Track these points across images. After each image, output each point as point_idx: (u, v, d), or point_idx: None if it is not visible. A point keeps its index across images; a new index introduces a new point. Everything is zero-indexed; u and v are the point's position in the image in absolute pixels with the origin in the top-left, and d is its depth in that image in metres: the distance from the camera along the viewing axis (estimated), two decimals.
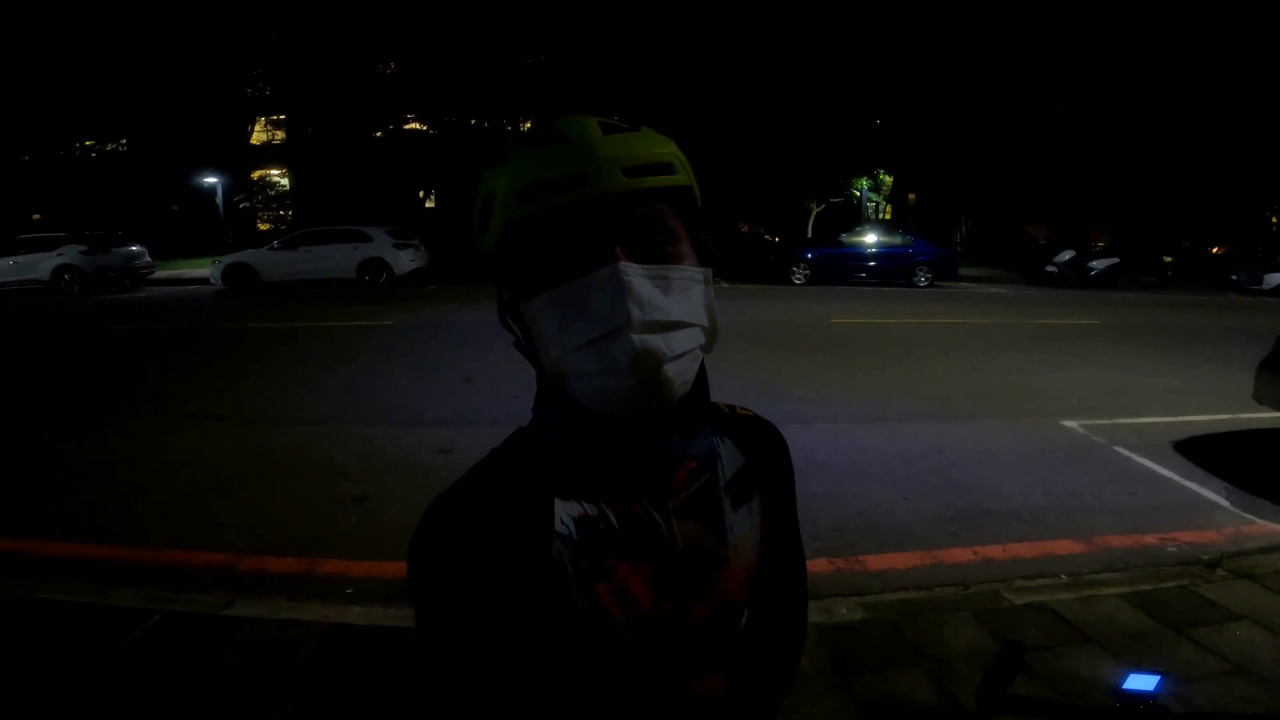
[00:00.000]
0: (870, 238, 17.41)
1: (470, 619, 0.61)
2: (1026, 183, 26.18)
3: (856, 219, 21.93)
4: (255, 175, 28.35)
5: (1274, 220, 28.83)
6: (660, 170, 0.63)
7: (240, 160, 26.19)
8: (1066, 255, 18.56)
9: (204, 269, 16.92)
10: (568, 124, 0.63)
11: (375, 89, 25.12)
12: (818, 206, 24.94)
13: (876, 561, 3.49)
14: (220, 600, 3.01)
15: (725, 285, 16.15)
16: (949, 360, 8.20)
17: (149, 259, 17.76)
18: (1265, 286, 16.75)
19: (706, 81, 21.77)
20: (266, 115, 28.93)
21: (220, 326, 11.07)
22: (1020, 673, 0.94)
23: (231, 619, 2.89)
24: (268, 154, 29.07)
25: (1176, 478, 4.59)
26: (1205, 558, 3.44)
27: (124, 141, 26.25)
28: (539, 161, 0.61)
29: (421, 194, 28.39)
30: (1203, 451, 5.04)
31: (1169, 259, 21.21)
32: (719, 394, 0.73)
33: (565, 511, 0.63)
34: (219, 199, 23.40)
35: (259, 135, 29.56)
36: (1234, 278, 18.00)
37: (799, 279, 16.79)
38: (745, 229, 26.89)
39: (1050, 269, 18.51)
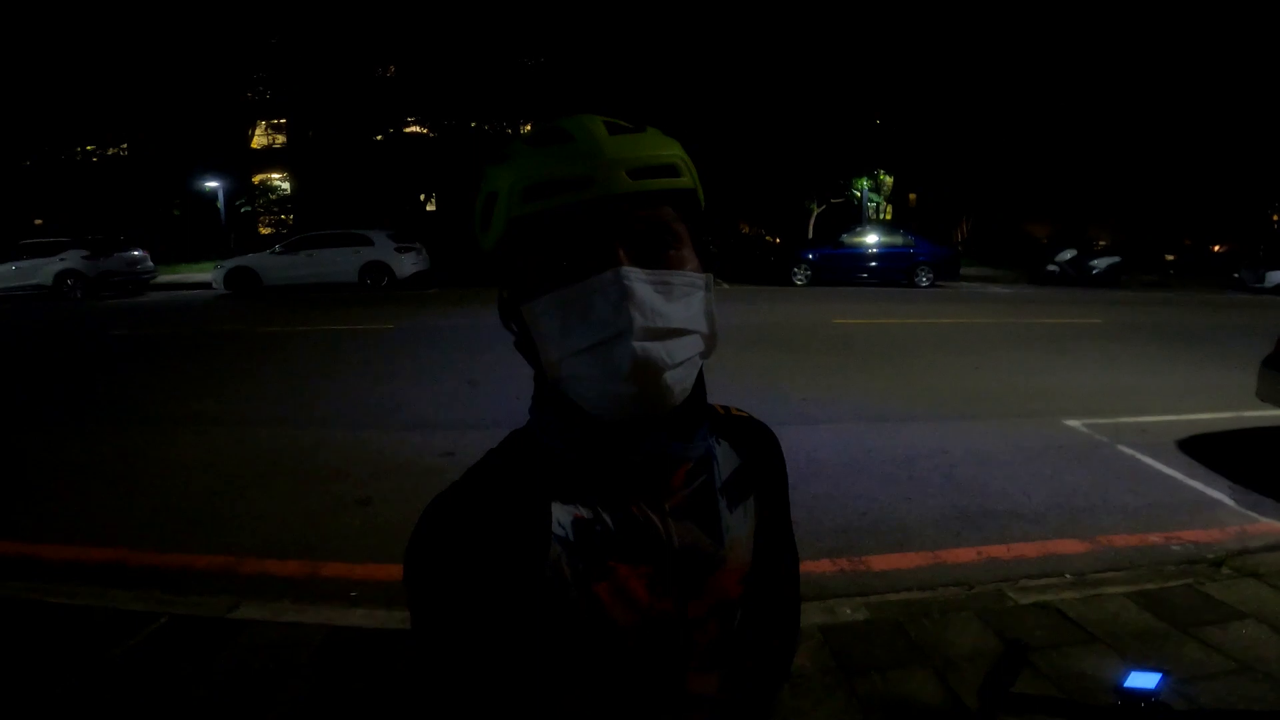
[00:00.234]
0: (871, 238, 17.38)
1: (466, 621, 0.61)
2: (1027, 182, 26.18)
3: (857, 219, 21.89)
4: (256, 179, 28.40)
5: (1275, 218, 28.75)
6: (665, 172, 0.63)
7: (241, 164, 26.27)
8: (1068, 254, 18.52)
9: (206, 273, 16.98)
10: (573, 123, 0.62)
11: (376, 92, 25.19)
12: (818, 207, 24.94)
13: (880, 562, 3.49)
14: (225, 603, 3.02)
15: (726, 286, 16.15)
16: (951, 360, 8.18)
17: (151, 263, 17.79)
18: (1267, 284, 16.70)
19: (706, 82, 21.79)
20: (267, 119, 29.02)
21: (223, 330, 11.09)
22: (1023, 672, 0.94)
23: (237, 621, 2.89)
24: (269, 158, 29.14)
25: (1180, 476, 4.58)
26: (1210, 556, 3.44)
27: (125, 146, 26.32)
28: (544, 160, 0.61)
29: (422, 197, 28.46)
30: (1206, 450, 5.03)
31: (1171, 257, 21.19)
32: (721, 396, 0.73)
33: (562, 514, 0.63)
34: (220, 203, 23.48)
35: (260, 139, 29.63)
36: (1236, 276, 17.97)
37: (800, 280, 16.79)
38: (746, 230, 26.90)
39: (1052, 268, 18.47)
